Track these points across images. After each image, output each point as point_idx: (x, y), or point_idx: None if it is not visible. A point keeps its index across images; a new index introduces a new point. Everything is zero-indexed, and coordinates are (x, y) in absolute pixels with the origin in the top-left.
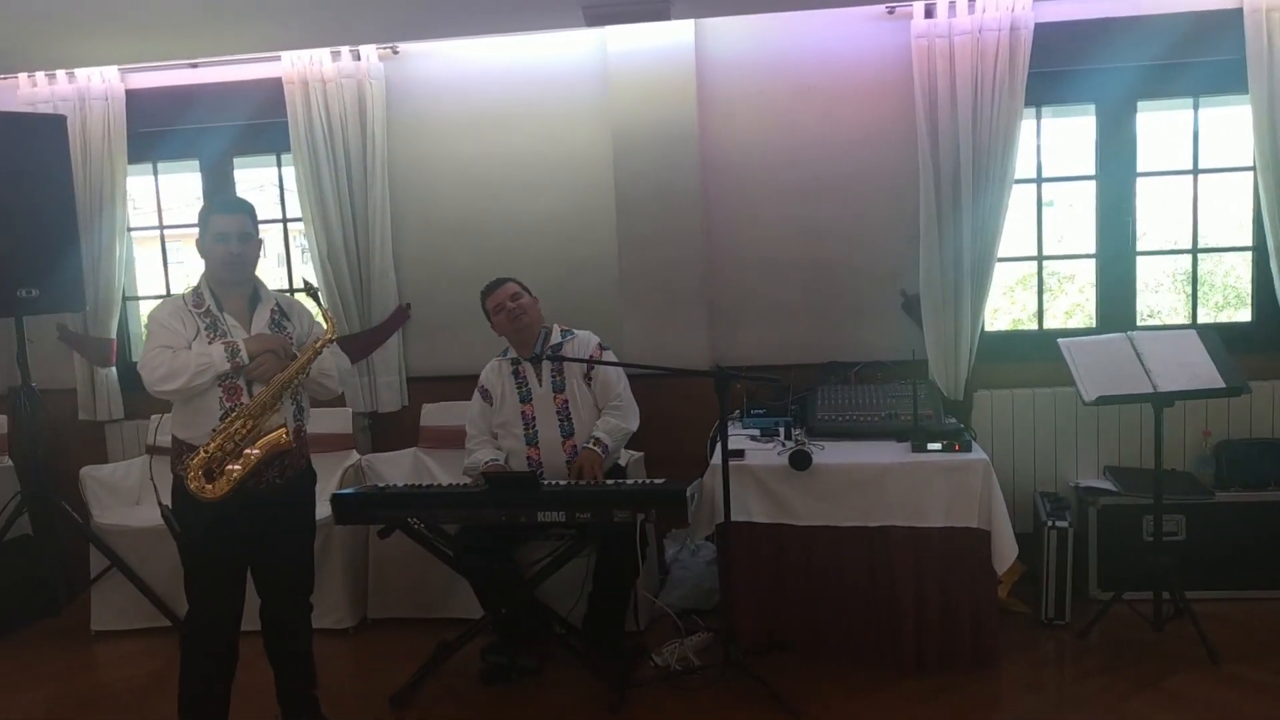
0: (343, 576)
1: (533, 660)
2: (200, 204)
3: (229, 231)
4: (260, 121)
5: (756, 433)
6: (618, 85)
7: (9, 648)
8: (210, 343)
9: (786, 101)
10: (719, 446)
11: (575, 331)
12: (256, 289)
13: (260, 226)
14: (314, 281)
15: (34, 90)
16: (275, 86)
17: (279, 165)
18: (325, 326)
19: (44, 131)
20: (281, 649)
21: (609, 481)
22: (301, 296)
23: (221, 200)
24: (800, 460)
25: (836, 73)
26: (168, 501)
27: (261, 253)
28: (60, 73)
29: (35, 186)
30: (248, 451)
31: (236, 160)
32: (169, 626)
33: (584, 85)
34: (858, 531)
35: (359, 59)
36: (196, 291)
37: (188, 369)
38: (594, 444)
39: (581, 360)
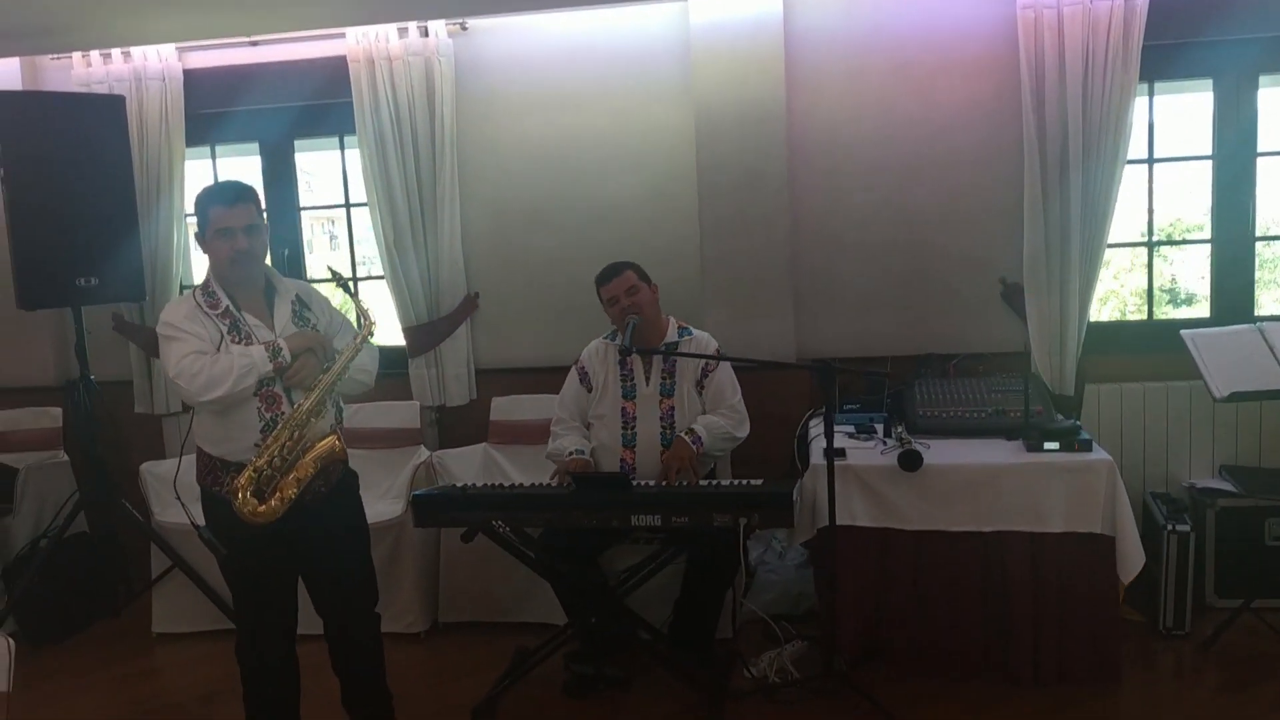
0: (414, 578)
1: (620, 670)
2: (197, 198)
3: (232, 226)
4: (323, 102)
5: (851, 429)
6: (701, 61)
7: (68, 651)
8: (235, 342)
9: (880, 78)
10: (814, 445)
11: (693, 330)
12: (269, 280)
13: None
14: (343, 272)
15: (89, 71)
16: (339, 65)
17: (342, 148)
18: (346, 313)
19: (102, 113)
20: (348, 666)
21: (704, 482)
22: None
23: (219, 189)
24: (911, 460)
25: (935, 47)
26: (200, 519)
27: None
28: (116, 52)
29: (93, 171)
30: (302, 462)
31: (298, 143)
32: (233, 629)
33: (664, 61)
34: (970, 537)
35: (427, 35)
36: (208, 291)
37: (230, 374)
38: (687, 433)
39: (697, 356)
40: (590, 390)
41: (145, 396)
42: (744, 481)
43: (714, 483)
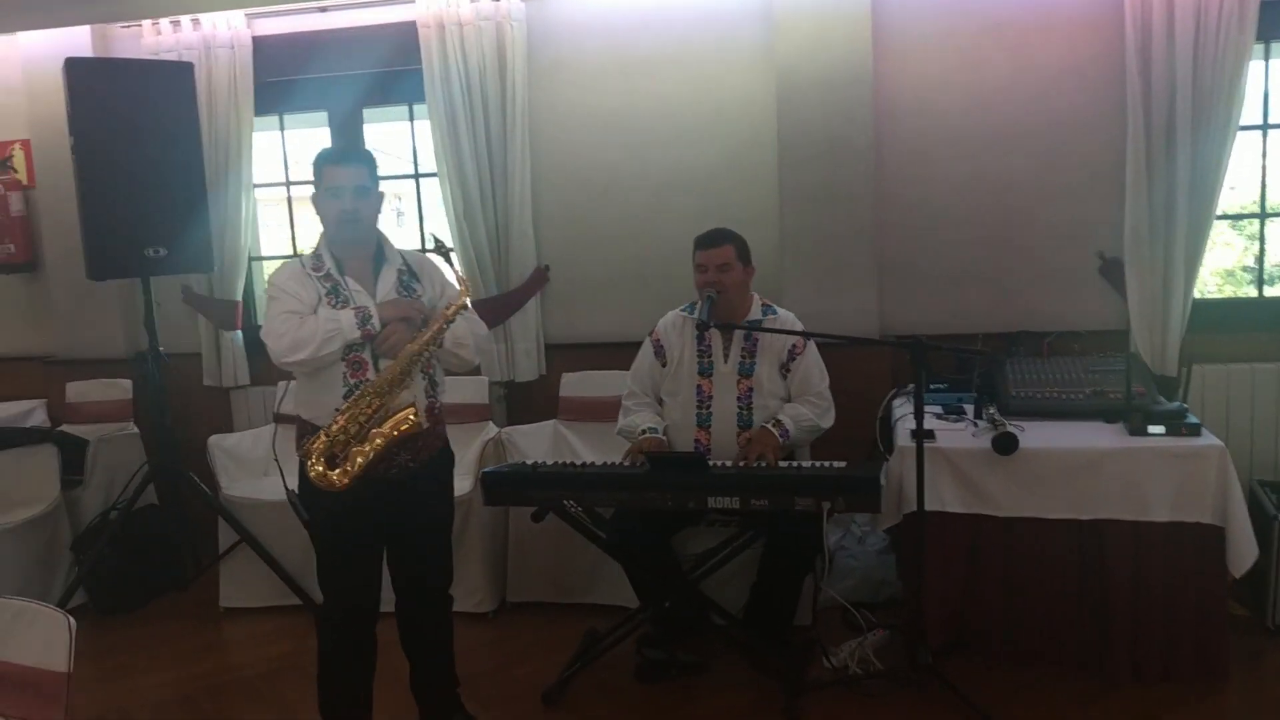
0: (482, 557)
1: (694, 656)
2: (314, 157)
3: (343, 185)
4: (393, 69)
5: (939, 410)
6: (784, 22)
7: (137, 623)
8: (334, 309)
9: (972, 39)
10: (900, 426)
11: (777, 309)
12: (381, 247)
13: (380, 180)
14: (446, 240)
15: (158, 39)
16: (409, 31)
17: (411, 117)
18: (458, 289)
19: (171, 80)
20: (418, 647)
21: (784, 463)
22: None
23: (336, 150)
24: (1006, 443)
25: (1032, 5)
26: (294, 485)
27: (384, 207)
28: (185, 20)
29: (162, 140)
30: (374, 432)
31: (366, 112)
32: (299, 605)
33: (744, 23)
34: (1067, 525)
35: None
36: (315, 254)
37: (315, 337)
38: (773, 425)
39: (777, 331)
40: (665, 364)
41: (214, 369)
42: (826, 464)
43: (794, 464)
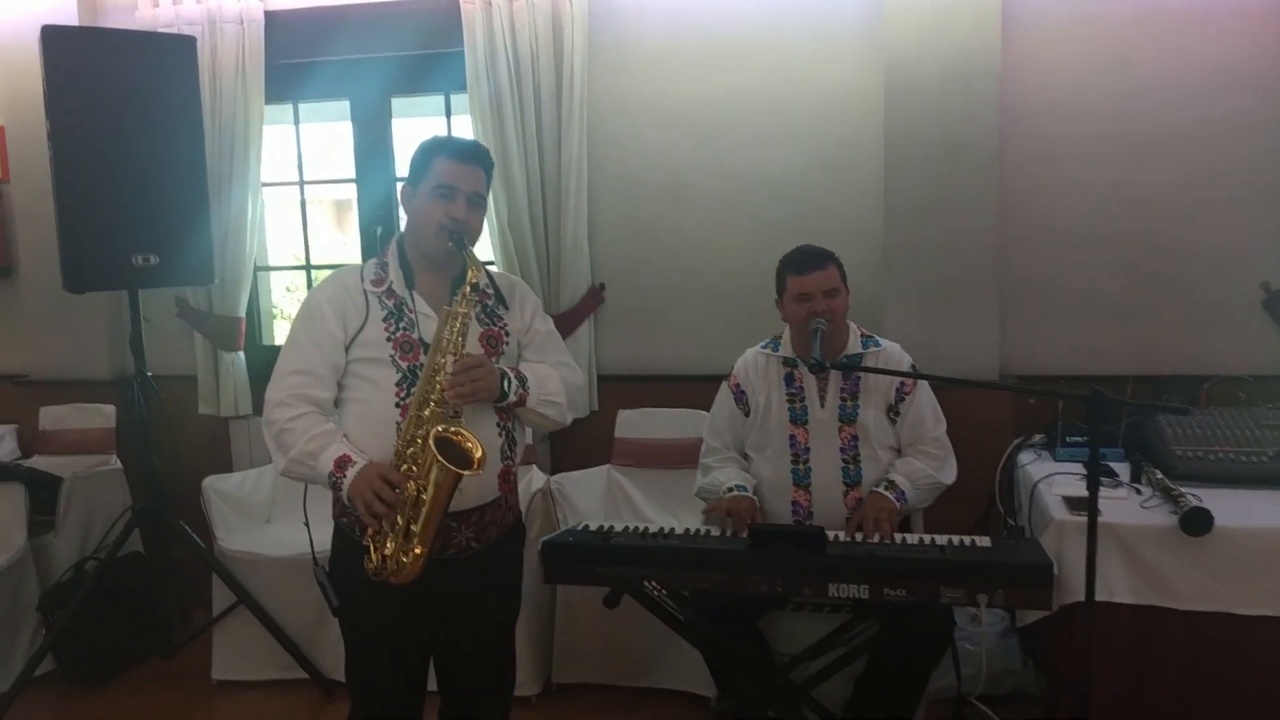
0: (525, 629)
1: None
2: (421, 143)
3: (456, 186)
4: (428, 52)
5: (1079, 469)
6: (894, 6)
7: (114, 697)
8: (390, 335)
9: (1118, 31)
10: (1044, 490)
11: (880, 341)
12: (466, 264)
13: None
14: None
15: (155, 13)
16: (450, 7)
17: (448, 108)
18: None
19: (170, 57)
20: None
21: (906, 538)
22: None
23: (456, 142)
24: (1198, 522)
25: None
26: (325, 552)
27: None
28: None
29: (157, 127)
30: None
31: (395, 101)
32: (306, 680)
33: (844, 6)
34: (1266, 622)
35: None
36: (381, 262)
37: (288, 453)
38: (886, 488)
39: (889, 373)
40: (748, 413)
41: (211, 396)
42: (966, 540)
43: (926, 541)
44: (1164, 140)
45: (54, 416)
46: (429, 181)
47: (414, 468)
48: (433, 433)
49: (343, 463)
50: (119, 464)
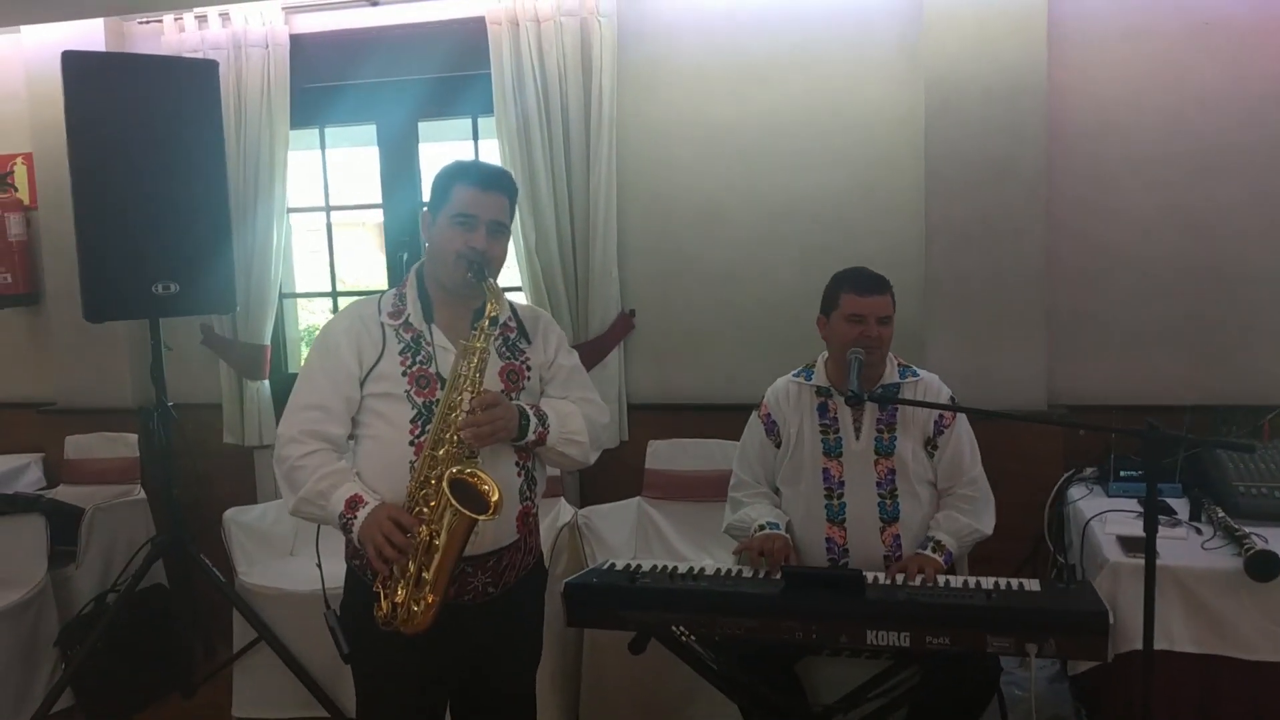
0: (552, 671)
1: None
2: (442, 168)
3: (477, 215)
4: (455, 74)
5: (1134, 506)
6: (936, 21)
7: None
8: (406, 370)
9: (1173, 43)
10: (1096, 528)
11: (919, 371)
12: (488, 298)
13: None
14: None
15: (181, 37)
16: (476, 29)
17: (475, 132)
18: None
19: (192, 82)
20: None
21: (962, 582)
22: None
23: (477, 167)
24: (1267, 566)
25: (1252, 0)
26: (337, 592)
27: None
28: (213, 15)
29: (180, 153)
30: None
31: (421, 125)
32: (327, 718)
33: (883, 22)
34: None
35: None
36: (400, 293)
37: (298, 491)
38: (932, 548)
39: (929, 405)
40: (779, 445)
41: (235, 425)
42: (1009, 584)
43: (970, 584)
44: (1221, 160)
45: (79, 445)
46: (449, 209)
47: (426, 510)
48: (447, 474)
49: (354, 503)
50: (143, 494)
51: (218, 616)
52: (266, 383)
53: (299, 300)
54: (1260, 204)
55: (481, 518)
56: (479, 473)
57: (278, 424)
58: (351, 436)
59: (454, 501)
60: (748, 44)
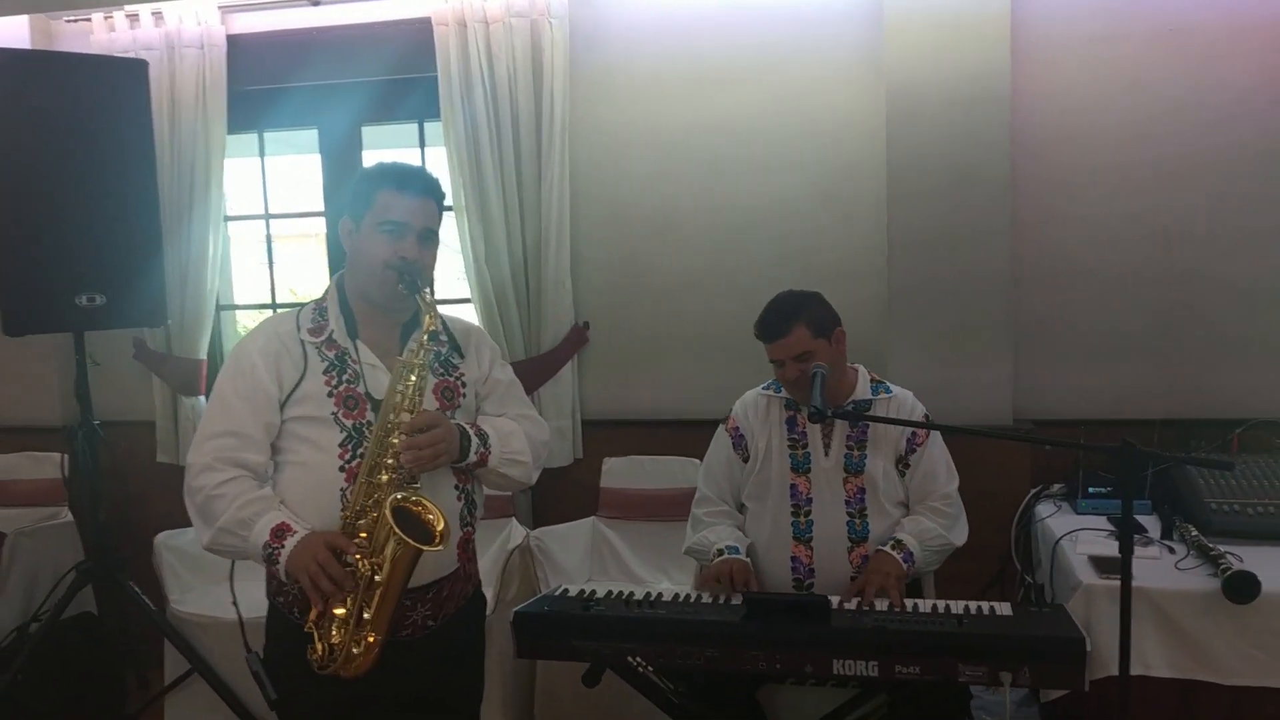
0: (503, 701)
1: None
2: (362, 171)
3: (407, 222)
4: (400, 77)
5: (1104, 524)
6: (897, 24)
7: None
8: (331, 390)
9: (1139, 49)
10: (1068, 550)
11: (892, 388)
12: (417, 310)
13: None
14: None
15: (111, 37)
16: (422, 30)
17: (421, 137)
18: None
19: (119, 82)
20: None
21: (918, 605)
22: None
23: (404, 170)
24: (1244, 587)
25: (1219, 6)
26: (259, 635)
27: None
28: (145, 13)
29: (108, 158)
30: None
31: (366, 131)
32: None
33: (844, 26)
34: None
35: None
36: (319, 307)
37: (216, 522)
38: (892, 546)
39: (898, 422)
40: (747, 459)
41: (170, 443)
42: (979, 608)
43: (940, 608)
44: (1191, 167)
45: (2, 465)
46: (374, 215)
47: (362, 541)
48: (390, 502)
49: (281, 532)
50: (70, 517)
51: (151, 645)
52: (202, 399)
53: (237, 313)
54: (1227, 212)
55: (429, 548)
56: (424, 501)
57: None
58: (272, 465)
59: (399, 532)
60: (705, 48)
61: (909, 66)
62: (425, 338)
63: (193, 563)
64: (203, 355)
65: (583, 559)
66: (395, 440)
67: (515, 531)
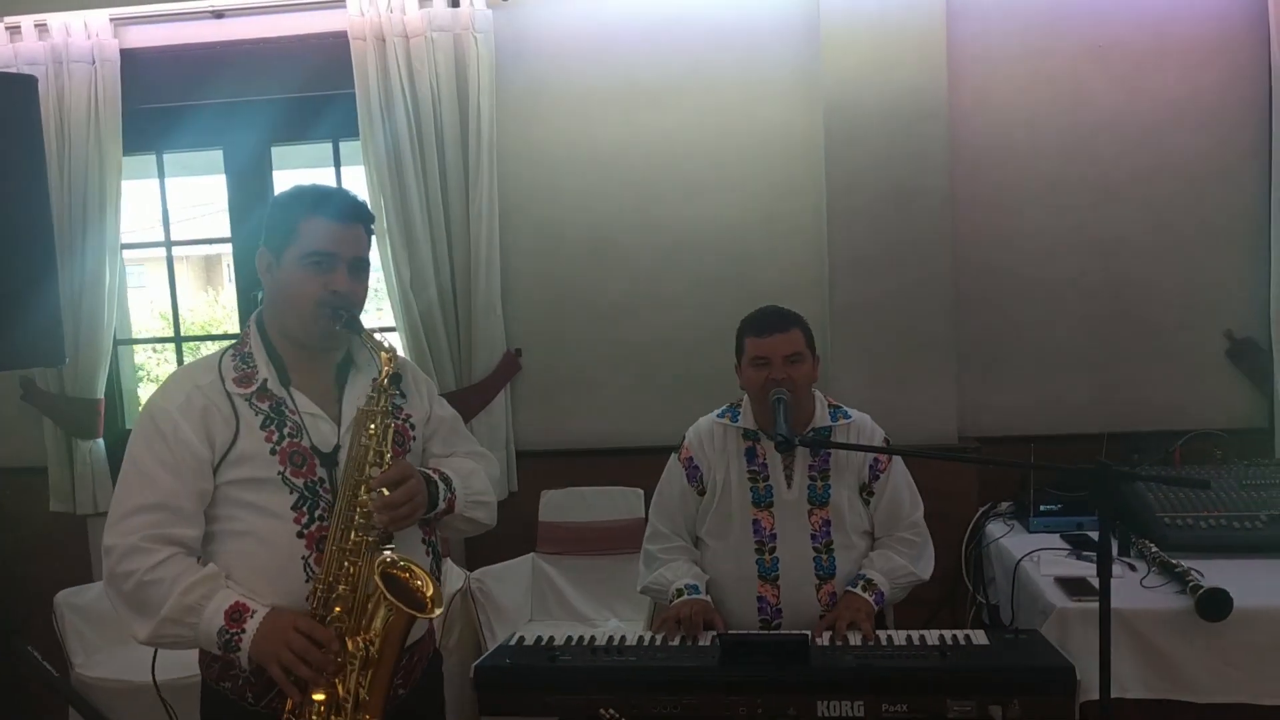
0: None
1: None
2: (279, 197)
3: (336, 253)
4: (314, 94)
5: (1060, 542)
6: (833, 40)
7: None
8: (274, 447)
9: (1071, 66)
10: (1030, 571)
11: (850, 412)
12: (350, 348)
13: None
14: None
15: None
16: (337, 44)
17: (336, 157)
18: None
19: (3, 99)
20: None
21: (906, 638)
22: None
23: (328, 196)
24: (1217, 605)
25: (1148, 22)
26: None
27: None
28: (27, 22)
29: None
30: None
31: (276, 151)
32: None
33: (779, 41)
34: None
35: (457, 4)
36: (243, 353)
37: (157, 612)
38: (862, 587)
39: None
40: (703, 493)
41: (65, 491)
42: (956, 638)
43: (916, 640)
44: (1123, 182)
45: None
46: (298, 248)
47: (340, 615)
48: (378, 566)
49: (237, 614)
50: None
51: (55, 715)
52: (100, 441)
53: (135, 347)
54: (1160, 227)
55: (421, 615)
56: (413, 566)
57: (114, 487)
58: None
59: (394, 600)
60: (638, 65)
61: (846, 83)
62: (385, 381)
63: (98, 621)
64: (100, 394)
65: (523, 598)
66: (366, 498)
67: (453, 574)
